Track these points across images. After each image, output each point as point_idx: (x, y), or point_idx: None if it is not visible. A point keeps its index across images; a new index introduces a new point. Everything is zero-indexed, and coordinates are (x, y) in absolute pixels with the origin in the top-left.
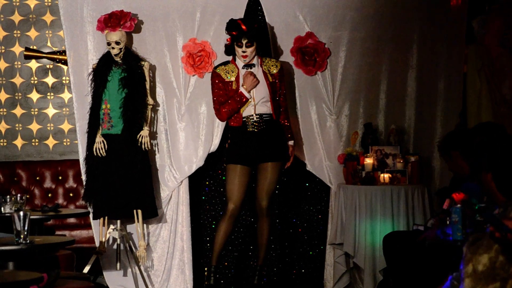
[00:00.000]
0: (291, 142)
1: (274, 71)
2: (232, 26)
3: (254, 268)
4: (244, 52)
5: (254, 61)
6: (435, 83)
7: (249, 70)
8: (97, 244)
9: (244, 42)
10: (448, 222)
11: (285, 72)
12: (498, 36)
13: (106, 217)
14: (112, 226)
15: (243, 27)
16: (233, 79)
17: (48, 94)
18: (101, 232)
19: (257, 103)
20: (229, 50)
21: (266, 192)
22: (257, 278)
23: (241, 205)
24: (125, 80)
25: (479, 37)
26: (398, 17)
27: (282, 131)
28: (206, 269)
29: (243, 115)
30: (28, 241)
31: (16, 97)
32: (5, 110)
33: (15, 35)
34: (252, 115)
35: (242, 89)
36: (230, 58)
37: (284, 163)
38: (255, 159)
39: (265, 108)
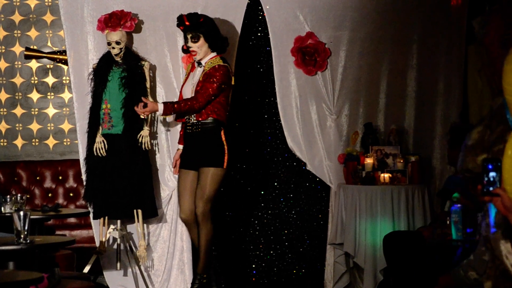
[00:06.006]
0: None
1: (207, 70)
2: (178, 21)
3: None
4: (190, 47)
5: (204, 61)
6: (435, 83)
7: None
8: (97, 244)
9: (189, 36)
10: (448, 222)
11: (221, 75)
12: (499, 37)
13: (106, 217)
14: (112, 226)
15: (186, 22)
16: (186, 72)
17: (49, 94)
18: (101, 232)
19: None
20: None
21: (198, 197)
22: (197, 286)
23: (190, 211)
24: (125, 80)
25: (480, 37)
26: (398, 17)
27: (216, 136)
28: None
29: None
30: (28, 241)
31: (16, 97)
32: (5, 110)
33: (15, 35)
34: (190, 117)
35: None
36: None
37: (218, 169)
38: (192, 162)
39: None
